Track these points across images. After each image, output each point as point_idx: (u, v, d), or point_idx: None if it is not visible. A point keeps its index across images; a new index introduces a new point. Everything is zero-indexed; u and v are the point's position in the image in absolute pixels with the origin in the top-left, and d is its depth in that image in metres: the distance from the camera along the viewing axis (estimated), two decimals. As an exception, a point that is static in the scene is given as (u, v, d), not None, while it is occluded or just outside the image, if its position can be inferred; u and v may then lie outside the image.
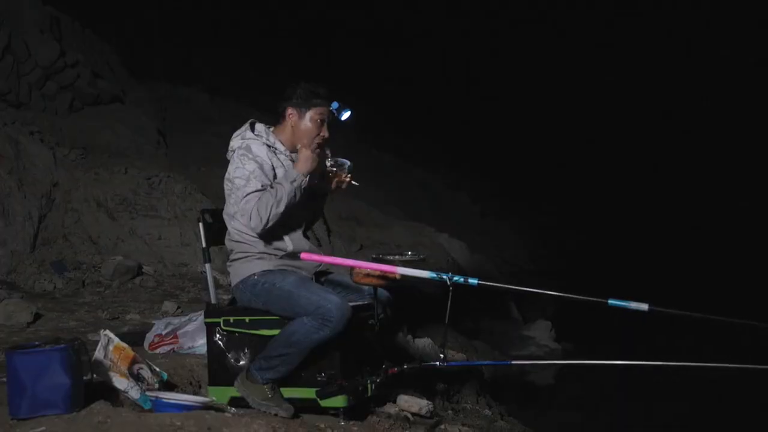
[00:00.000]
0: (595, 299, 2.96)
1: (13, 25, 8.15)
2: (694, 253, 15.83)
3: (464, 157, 17.09)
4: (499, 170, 17.46)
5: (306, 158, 3.41)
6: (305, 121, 3.50)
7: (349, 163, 3.61)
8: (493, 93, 19.24)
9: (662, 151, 21.14)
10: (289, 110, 3.52)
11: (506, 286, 3.34)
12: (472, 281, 3.10)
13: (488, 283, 3.17)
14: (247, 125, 3.55)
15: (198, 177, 8.30)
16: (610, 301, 2.95)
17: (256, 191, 3.34)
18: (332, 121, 3.56)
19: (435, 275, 3.14)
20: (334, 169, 3.58)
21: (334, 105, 3.53)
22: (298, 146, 3.46)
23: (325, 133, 3.52)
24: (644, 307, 2.93)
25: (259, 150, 3.43)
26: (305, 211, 3.57)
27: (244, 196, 3.33)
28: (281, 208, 3.31)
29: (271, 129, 3.56)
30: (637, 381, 7.35)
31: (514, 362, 4.32)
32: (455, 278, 3.10)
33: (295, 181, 3.35)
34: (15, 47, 8.02)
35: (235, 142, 3.51)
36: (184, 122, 10.57)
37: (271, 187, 3.38)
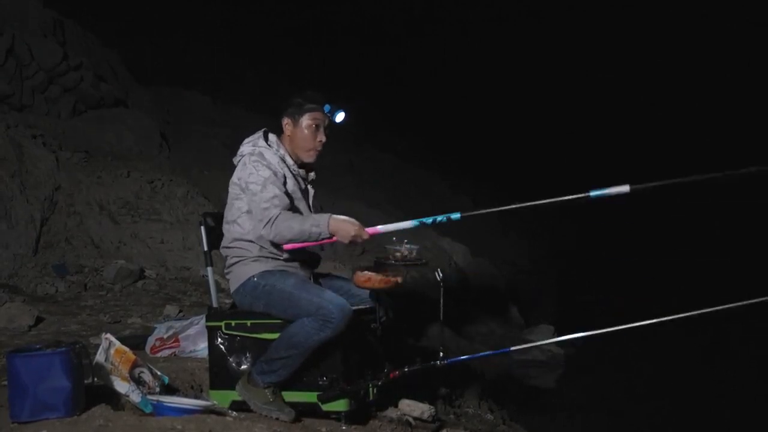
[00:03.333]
0: (576, 196, 3.19)
1: (16, 29, 8.16)
2: (697, 253, 15.80)
3: (466, 159, 17.09)
4: (501, 172, 17.45)
5: (347, 230, 3.33)
6: (301, 128, 3.52)
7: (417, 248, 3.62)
8: (495, 94, 19.23)
9: (665, 152, 21.09)
10: (285, 120, 3.54)
11: (489, 209, 3.47)
12: (455, 216, 3.37)
13: (471, 213, 3.45)
14: (260, 133, 3.56)
15: (200, 180, 8.31)
16: (592, 193, 3.19)
17: (275, 196, 3.34)
18: (329, 124, 3.57)
19: (416, 222, 3.38)
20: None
21: (327, 108, 3.54)
22: (353, 232, 3.35)
23: (322, 137, 3.54)
24: (625, 189, 3.16)
25: (272, 158, 3.45)
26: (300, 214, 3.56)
27: (265, 201, 3.33)
28: (288, 236, 3.31)
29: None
30: (638, 384, 7.35)
31: (513, 348, 4.34)
32: (439, 218, 3.37)
33: (318, 227, 3.30)
34: (18, 50, 8.03)
35: (245, 147, 3.52)
36: (186, 125, 10.57)
37: (293, 205, 3.43)
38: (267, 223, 3.31)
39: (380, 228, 3.37)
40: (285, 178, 3.45)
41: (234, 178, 3.51)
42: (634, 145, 21.11)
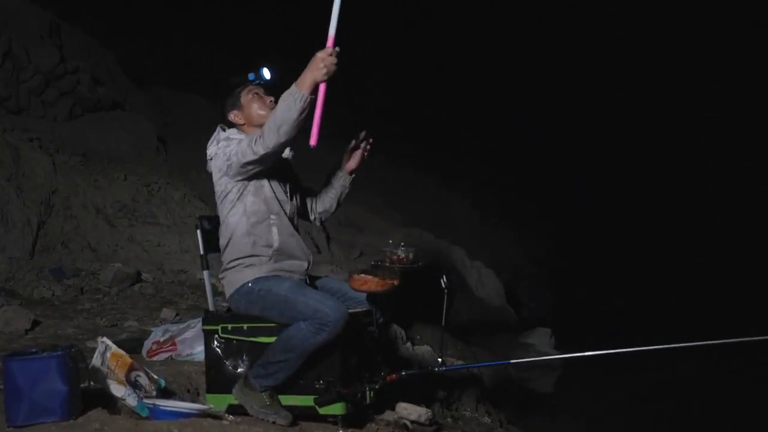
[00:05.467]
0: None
1: (13, 32, 8.16)
2: (697, 256, 15.80)
3: (465, 163, 17.09)
4: (500, 175, 17.45)
5: (315, 68, 3.09)
6: (247, 108, 3.51)
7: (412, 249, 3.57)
8: (493, 97, 19.21)
9: (666, 155, 21.01)
10: (231, 114, 3.53)
11: None
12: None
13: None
14: (218, 130, 3.54)
15: (197, 184, 8.30)
16: None
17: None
18: (266, 88, 3.54)
19: None
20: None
21: (251, 77, 3.53)
22: (321, 61, 3.09)
23: (269, 99, 3.51)
24: None
25: (240, 137, 3.43)
26: (288, 198, 3.55)
27: (245, 142, 3.29)
28: (276, 123, 3.14)
29: None
30: (637, 386, 7.35)
31: (512, 361, 4.30)
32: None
33: (292, 94, 3.11)
34: (15, 53, 8.03)
35: (211, 149, 3.49)
36: (183, 128, 10.57)
37: (270, 187, 3.41)
38: (255, 141, 3.22)
39: (330, 31, 3.13)
40: None
41: (215, 177, 3.48)
42: (637, 149, 21.05)
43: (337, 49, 3.13)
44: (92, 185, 7.27)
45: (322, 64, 3.10)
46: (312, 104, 3.12)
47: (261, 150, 3.23)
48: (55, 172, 7.15)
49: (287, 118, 3.13)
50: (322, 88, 3.13)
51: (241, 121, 3.52)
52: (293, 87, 3.14)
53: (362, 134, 3.67)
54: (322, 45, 3.13)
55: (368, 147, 3.69)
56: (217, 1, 15.39)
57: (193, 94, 11.86)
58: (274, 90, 3.50)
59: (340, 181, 3.75)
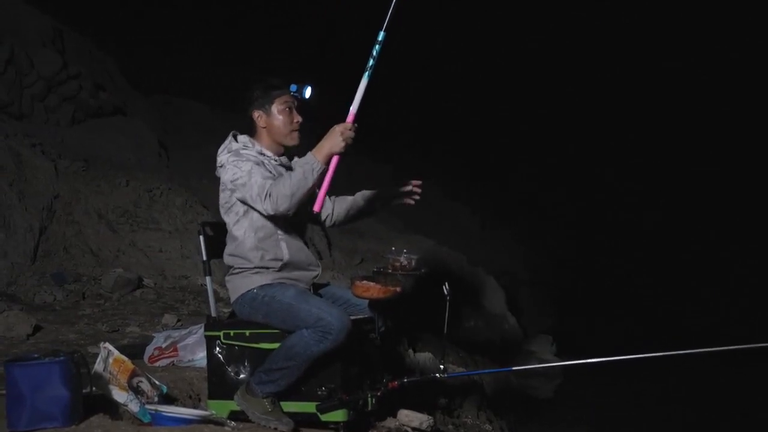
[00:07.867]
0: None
1: (15, 38, 8.17)
2: (697, 264, 15.79)
3: (465, 169, 17.10)
4: (500, 181, 17.46)
5: (333, 140, 3.16)
6: (274, 116, 3.48)
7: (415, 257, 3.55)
8: (492, 102, 19.21)
9: (667, 162, 20.96)
10: (255, 113, 3.50)
11: None
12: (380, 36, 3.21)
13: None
14: (230, 137, 3.52)
15: (199, 189, 8.31)
16: None
17: (266, 178, 3.29)
18: (300, 105, 3.53)
19: (367, 74, 3.21)
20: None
21: (293, 88, 3.50)
22: (340, 134, 3.17)
23: (297, 118, 3.51)
24: None
25: (249, 153, 3.42)
26: (304, 216, 3.55)
27: (258, 186, 3.26)
28: (288, 191, 3.17)
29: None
30: (638, 393, 7.34)
31: (514, 368, 4.29)
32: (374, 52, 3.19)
33: (308, 162, 3.18)
34: (17, 59, 8.05)
35: (222, 157, 3.47)
36: (185, 134, 10.59)
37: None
38: (265, 197, 3.23)
39: (352, 108, 3.20)
40: (270, 172, 3.40)
41: (221, 185, 3.48)
42: (638, 155, 21.01)
43: (356, 125, 3.18)
44: (94, 191, 7.28)
45: (341, 137, 3.15)
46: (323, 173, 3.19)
47: (270, 211, 3.25)
48: (57, 177, 7.16)
49: (303, 185, 3.17)
50: (334, 159, 3.18)
51: (263, 124, 3.50)
52: (311, 156, 3.18)
53: (417, 183, 3.73)
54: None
55: (415, 196, 3.75)
56: (218, 7, 15.43)
57: (193, 100, 11.88)
58: (303, 111, 3.52)
59: (373, 206, 3.81)
